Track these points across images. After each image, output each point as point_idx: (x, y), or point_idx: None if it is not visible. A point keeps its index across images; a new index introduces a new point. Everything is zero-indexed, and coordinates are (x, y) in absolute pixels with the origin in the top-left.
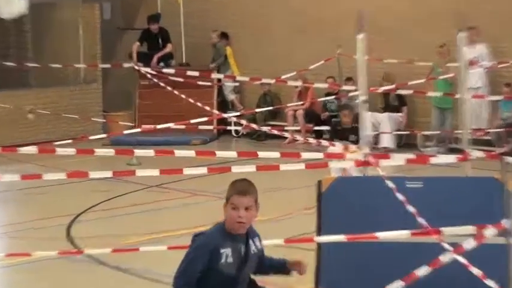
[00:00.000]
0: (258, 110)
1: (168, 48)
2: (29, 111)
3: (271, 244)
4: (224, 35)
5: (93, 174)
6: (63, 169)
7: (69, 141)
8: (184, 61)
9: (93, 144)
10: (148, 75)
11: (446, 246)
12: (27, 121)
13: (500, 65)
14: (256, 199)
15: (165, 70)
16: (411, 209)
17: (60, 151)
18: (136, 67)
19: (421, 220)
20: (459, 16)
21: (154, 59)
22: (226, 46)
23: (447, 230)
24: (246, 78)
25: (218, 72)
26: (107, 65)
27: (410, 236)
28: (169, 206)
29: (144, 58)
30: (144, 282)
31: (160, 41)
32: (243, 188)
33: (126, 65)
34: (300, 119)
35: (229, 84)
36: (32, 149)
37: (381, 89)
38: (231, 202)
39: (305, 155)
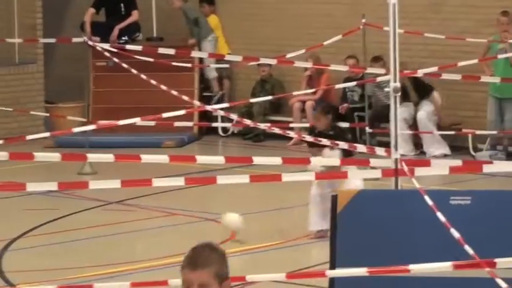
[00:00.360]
0: (253, 100)
1: (134, 16)
2: None
3: (270, 279)
4: None
5: (32, 187)
6: None
7: (0, 141)
8: (155, 34)
9: (32, 146)
10: (107, 54)
11: (500, 282)
12: None
13: None
14: (219, 272)
15: (128, 46)
16: (455, 233)
17: None
18: (90, 43)
19: (468, 248)
20: None
21: (115, 31)
22: (210, 14)
23: (503, 262)
24: (238, 58)
25: (200, 49)
26: (51, 40)
27: (454, 268)
28: (135, 228)
29: (101, 30)
30: None
31: (122, 6)
32: (195, 257)
33: (76, 39)
34: (309, 113)
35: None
36: None
37: (420, 72)
38: (182, 277)
39: (316, 161)
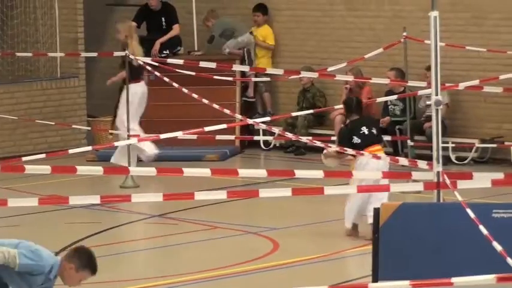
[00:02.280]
0: (294, 114)
1: (175, 30)
2: None
3: None
4: (261, 8)
5: (74, 200)
6: (35, 193)
7: (42, 155)
8: (196, 48)
9: (75, 159)
10: (148, 68)
11: None
12: None
13: None
14: None
15: (170, 60)
16: (498, 246)
17: (30, 169)
18: (131, 56)
19: (510, 261)
20: None
21: (156, 45)
22: (263, 23)
23: None
24: (280, 72)
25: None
26: (92, 54)
27: (497, 281)
28: (178, 242)
29: (142, 44)
30: None
31: (163, 20)
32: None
33: (117, 53)
34: None
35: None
36: None
37: (462, 86)
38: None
39: (358, 175)
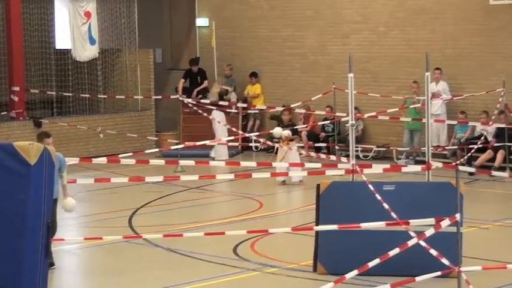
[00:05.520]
0: (271, 130)
1: (205, 84)
2: (100, 132)
3: (282, 231)
4: (254, 74)
5: (148, 179)
6: (126, 175)
7: (130, 154)
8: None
9: (148, 156)
10: (190, 105)
11: (412, 233)
12: (99, 139)
13: (456, 98)
14: None
15: (202, 101)
16: (386, 206)
17: (123, 161)
18: (180, 98)
19: (393, 214)
20: (427, 60)
21: (194, 92)
22: (255, 83)
23: (413, 222)
24: (263, 107)
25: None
26: (158, 97)
27: (385, 225)
28: (206, 203)
29: (187, 91)
30: (188, 259)
31: (199, 78)
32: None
33: (173, 96)
34: (303, 138)
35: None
36: (102, 160)
37: (366, 116)
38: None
39: (308, 165)
